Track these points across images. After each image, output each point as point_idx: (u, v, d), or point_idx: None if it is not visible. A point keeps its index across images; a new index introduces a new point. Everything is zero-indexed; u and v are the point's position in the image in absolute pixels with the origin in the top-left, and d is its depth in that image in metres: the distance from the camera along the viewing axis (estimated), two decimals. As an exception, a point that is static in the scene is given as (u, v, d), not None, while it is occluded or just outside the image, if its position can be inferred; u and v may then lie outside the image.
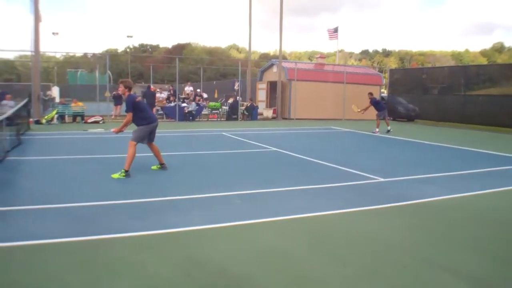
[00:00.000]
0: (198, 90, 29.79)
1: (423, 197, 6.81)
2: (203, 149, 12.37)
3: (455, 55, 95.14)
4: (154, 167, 8.67)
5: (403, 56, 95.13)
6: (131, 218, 5.44)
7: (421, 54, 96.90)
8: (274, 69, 28.07)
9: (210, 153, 11.66)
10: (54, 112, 20.59)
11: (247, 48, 30.61)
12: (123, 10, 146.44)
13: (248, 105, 25.24)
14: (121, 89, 8.27)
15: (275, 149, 12.19)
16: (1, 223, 5.14)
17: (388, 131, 17.30)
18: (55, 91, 29.99)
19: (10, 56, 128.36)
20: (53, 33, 61.88)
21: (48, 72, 54.07)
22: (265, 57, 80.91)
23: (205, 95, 30.13)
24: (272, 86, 27.82)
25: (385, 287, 3.72)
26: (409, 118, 25.30)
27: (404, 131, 18.99)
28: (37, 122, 19.39)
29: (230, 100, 26.57)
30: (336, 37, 35.46)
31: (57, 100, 25.69)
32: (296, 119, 24.95)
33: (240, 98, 26.02)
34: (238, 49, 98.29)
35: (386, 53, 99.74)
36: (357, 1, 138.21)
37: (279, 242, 4.71)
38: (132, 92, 8.36)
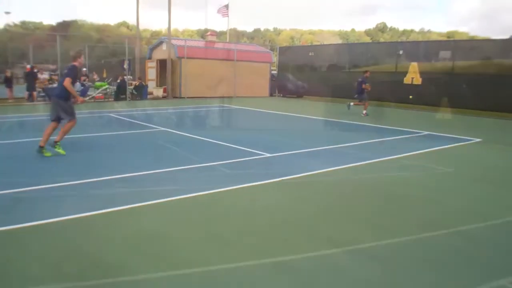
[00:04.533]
0: (84, 69, 28.13)
1: (308, 170, 7.04)
2: (87, 132, 11.58)
3: (342, 34, 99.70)
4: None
5: (293, 35, 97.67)
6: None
7: (311, 33, 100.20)
8: (164, 46, 27.30)
9: (95, 135, 10.93)
10: None
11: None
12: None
13: (137, 84, 24.35)
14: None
15: (164, 129, 11.86)
16: None
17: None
18: None
19: None
20: None
21: None
22: (157, 34, 78.52)
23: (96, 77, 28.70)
24: (162, 64, 27.07)
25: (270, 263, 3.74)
26: (298, 94, 26.11)
27: (292, 107, 19.54)
28: None
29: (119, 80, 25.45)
30: (227, 14, 35.29)
31: None
32: (188, 97, 24.57)
33: (131, 77, 25.02)
34: (128, 27, 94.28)
35: (277, 32, 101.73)
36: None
37: (157, 226, 4.58)
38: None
